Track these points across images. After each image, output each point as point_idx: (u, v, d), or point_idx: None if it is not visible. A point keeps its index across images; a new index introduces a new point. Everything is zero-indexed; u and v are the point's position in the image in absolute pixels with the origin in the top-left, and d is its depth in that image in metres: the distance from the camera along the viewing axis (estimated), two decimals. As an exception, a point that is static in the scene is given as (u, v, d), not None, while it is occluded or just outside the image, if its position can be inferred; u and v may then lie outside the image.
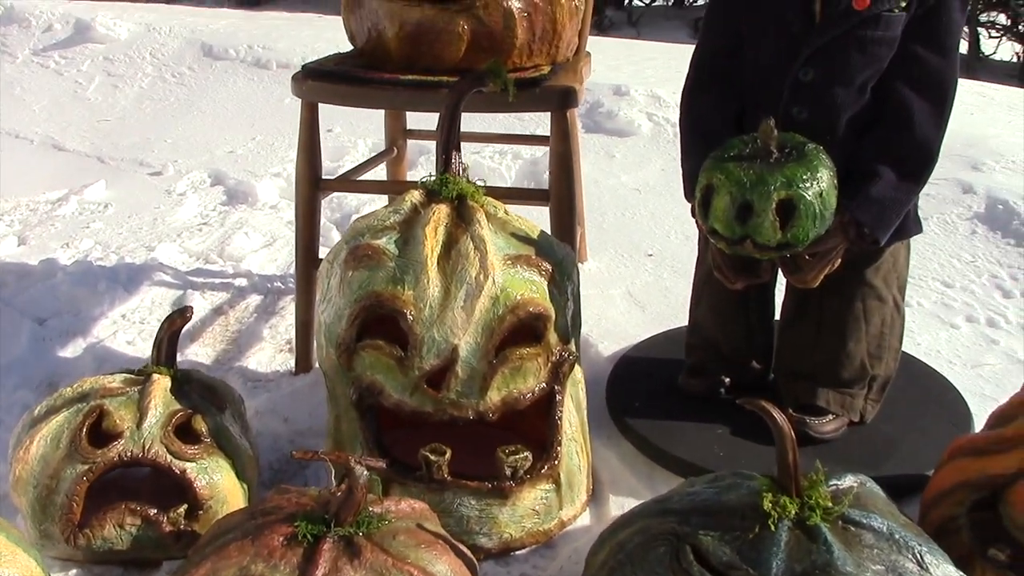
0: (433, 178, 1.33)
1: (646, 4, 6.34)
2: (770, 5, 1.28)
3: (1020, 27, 5.27)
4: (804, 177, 1.18)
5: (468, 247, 1.22)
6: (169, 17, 4.13)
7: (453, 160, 1.33)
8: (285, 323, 1.90)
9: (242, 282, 2.12)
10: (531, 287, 1.23)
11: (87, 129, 3.29)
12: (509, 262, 1.23)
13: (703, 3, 5.75)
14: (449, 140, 1.33)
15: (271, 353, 1.80)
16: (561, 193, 1.53)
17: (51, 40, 4.02)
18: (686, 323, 1.56)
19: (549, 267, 1.26)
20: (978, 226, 2.20)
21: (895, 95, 1.26)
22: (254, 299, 2.03)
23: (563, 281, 1.28)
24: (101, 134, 3.23)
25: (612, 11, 5.89)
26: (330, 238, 2.25)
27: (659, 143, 2.74)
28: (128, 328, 1.89)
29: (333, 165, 2.79)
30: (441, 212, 1.26)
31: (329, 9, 6.04)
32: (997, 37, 5.39)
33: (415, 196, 1.30)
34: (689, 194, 1.32)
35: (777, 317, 1.53)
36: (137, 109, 3.44)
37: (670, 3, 6.31)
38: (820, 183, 1.18)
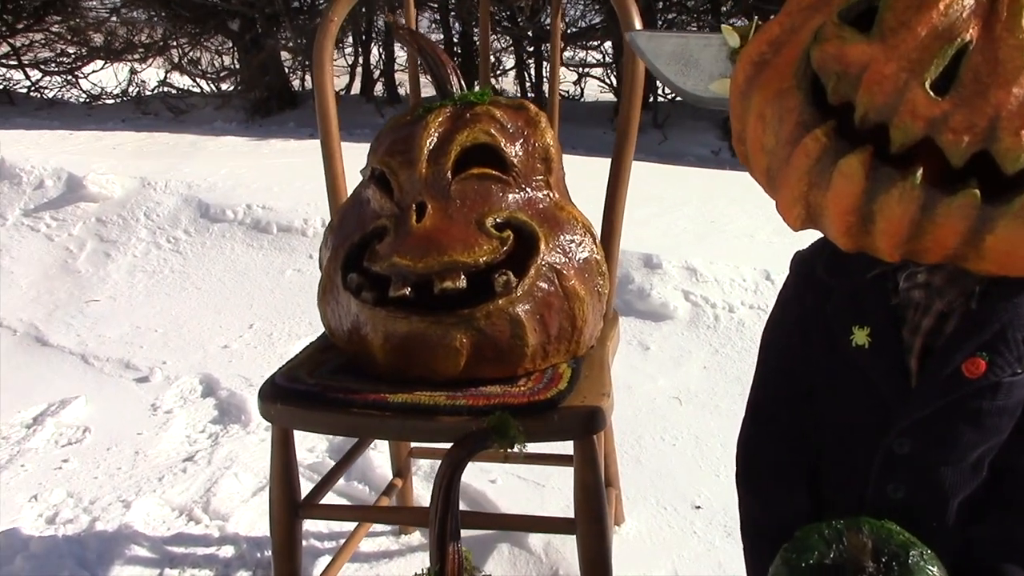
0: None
1: (669, 100, 6.09)
2: (847, 358, 0.98)
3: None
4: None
5: None
6: (166, 170, 3.90)
7: (450, 551, 1.04)
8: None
9: (228, 551, 1.84)
10: None
11: (74, 314, 3.04)
12: None
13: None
14: (445, 528, 1.04)
15: None
16: (589, 536, 1.24)
17: (43, 199, 3.80)
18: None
19: None
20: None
21: (1020, 476, 0.96)
22: (240, 578, 1.75)
23: None
24: (89, 322, 2.97)
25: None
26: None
27: (698, 330, 2.44)
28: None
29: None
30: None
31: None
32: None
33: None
34: None
35: None
36: (128, 285, 3.19)
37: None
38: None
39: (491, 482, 1.96)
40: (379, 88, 7.41)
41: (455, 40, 6.66)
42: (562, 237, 1.27)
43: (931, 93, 0.81)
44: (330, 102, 1.50)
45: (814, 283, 1.02)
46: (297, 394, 1.27)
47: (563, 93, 6.52)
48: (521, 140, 1.29)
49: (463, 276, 1.21)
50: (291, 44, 6.93)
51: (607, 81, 6.46)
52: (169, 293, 3.11)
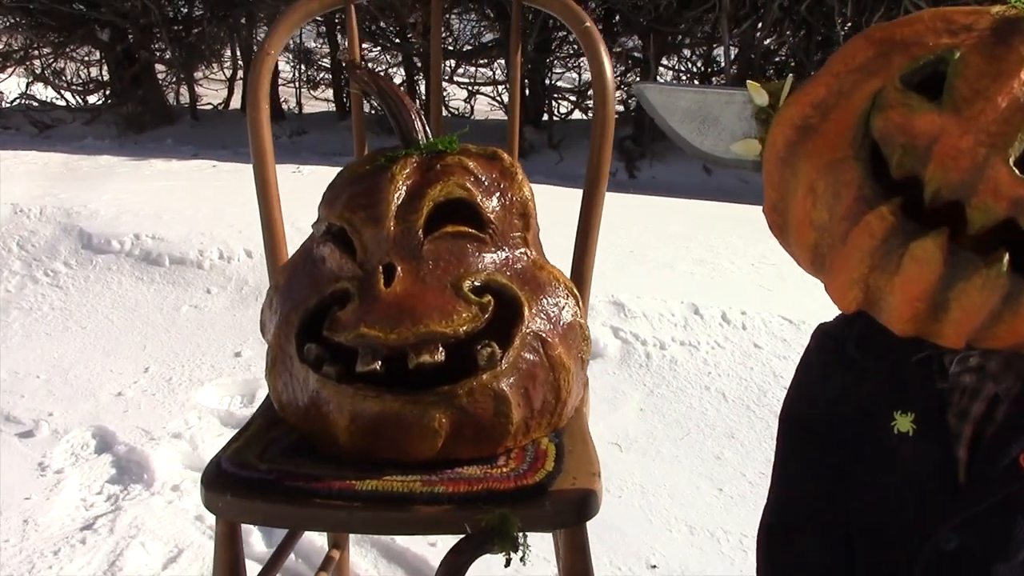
0: None
1: (562, 119, 6.05)
2: (888, 446, 0.90)
3: None
4: None
5: None
6: (40, 194, 3.60)
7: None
8: None
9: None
10: None
11: (-58, 360, 2.75)
12: None
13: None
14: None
15: None
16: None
17: (-97, 229, 3.46)
18: None
19: None
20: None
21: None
22: None
23: None
24: (-41, 368, 2.70)
25: (531, 131, 5.56)
26: None
27: (630, 368, 2.36)
28: None
29: (243, 412, 2.34)
30: None
31: (215, 148, 5.61)
32: None
33: None
34: None
35: None
36: (3, 325, 2.91)
37: (589, 116, 6.02)
38: None
39: (431, 545, 1.83)
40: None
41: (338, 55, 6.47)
42: (545, 300, 1.16)
43: (1016, 170, 0.73)
44: (267, 146, 1.35)
45: (845, 362, 0.94)
46: (249, 483, 1.12)
47: (453, 111, 6.41)
48: (498, 194, 1.18)
49: (441, 348, 1.08)
50: (167, 56, 6.60)
51: (498, 99, 6.38)
52: (50, 333, 2.85)
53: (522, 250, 1.19)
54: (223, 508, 1.12)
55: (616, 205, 3.73)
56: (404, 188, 1.15)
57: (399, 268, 1.11)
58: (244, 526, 1.94)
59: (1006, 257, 0.73)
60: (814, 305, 2.45)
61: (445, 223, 1.14)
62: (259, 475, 1.12)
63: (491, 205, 1.17)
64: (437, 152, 1.20)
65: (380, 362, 1.08)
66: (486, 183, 1.17)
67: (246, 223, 3.15)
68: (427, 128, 1.22)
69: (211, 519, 1.27)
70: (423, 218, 1.13)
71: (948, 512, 0.88)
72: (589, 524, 1.82)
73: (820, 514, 0.97)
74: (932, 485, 0.88)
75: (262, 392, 2.38)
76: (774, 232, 0.90)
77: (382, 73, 6.30)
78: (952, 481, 0.88)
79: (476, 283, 1.13)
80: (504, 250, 1.17)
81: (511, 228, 1.18)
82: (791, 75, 0.86)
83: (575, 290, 1.20)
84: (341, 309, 1.12)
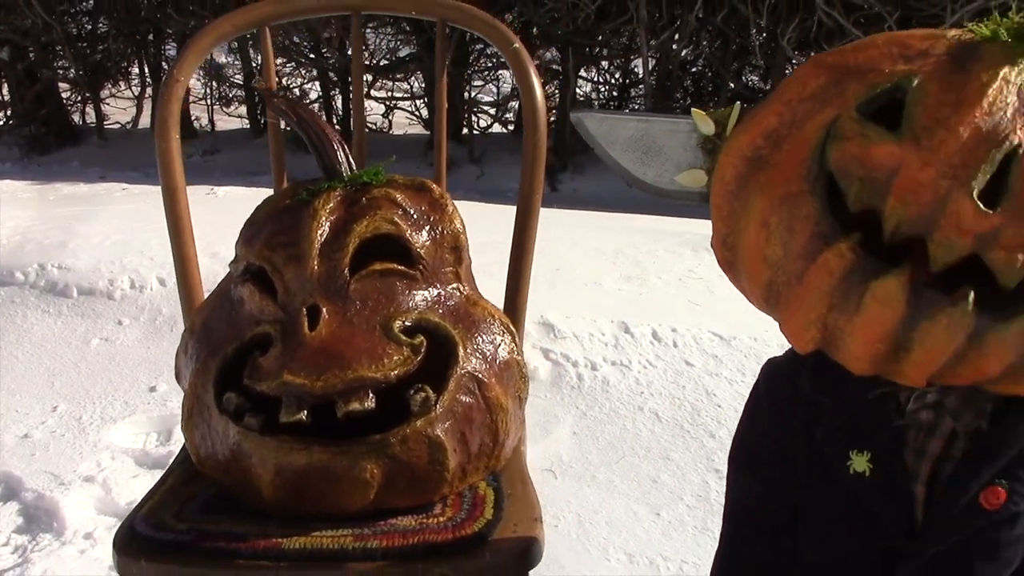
0: None
1: (482, 133, 6.00)
2: (843, 486, 0.86)
3: None
4: None
5: None
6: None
7: None
8: None
9: None
10: None
11: None
12: None
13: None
14: None
15: None
16: None
17: None
18: None
19: None
20: None
21: (1035, 605, 0.87)
22: None
23: None
24: None
25: (451, 146, 5.50)
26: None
27: (562, 391, 2.31)
28: None
29: (159, 451, 2.24)
30: None
31: (124, 169, 5.42)
32: None
33: None
34: None
35: None
36: None
37: (509, 129, 5.99)
38: None
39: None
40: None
41: (254, 70, 6.33)
42: (480, 338, 1.10)
43: (980, 204, 0.69)
44: (179, 181, 1.27)
45: (796, 399, 0.90)
46: (165, 546, 1.04)
47: (371, 126, 6.32)
48: (427, 228, 1.12)
49: (371, 394, 1.01)
50: (71, 75, 6.37)
51: (417, 114, 6.31)
52: (-51, 371, 2.69)
53: (454, 285, 1.13)
54: (138, 575, 1.04)
55: (540, 221, 3.71)
56: (328, 224, 1.09)
57: (324, 310, 1.04)
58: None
59: (971, 295, 0.69)
60: (745, 319, 2.44)
61: (372, 260, 1.08)
62: (175, 536, 1.04)
63: (421, 240, 1.10)
64: (362, 184, 1.13)
65: (306, 411, 1.01)
66: (415, 216, 1.11)
67: (158, 250, 3.02)
68: (351, 159, 1.16)
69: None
70: (349, 256, 1.07)
71: (908, 553, 0.84)
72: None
73: (776, 558, 0.93)
74: (891, 527, 0.85)
75: (179, 429, 2.27)
76: (723, 268, 0.85)
77: (297, 91, 6.19)
78: (910, 521, 0.85)
79: (407, 323, 1.06)
80: (436, 287, 1.11)
81: (442, 263, 1.12)
82: (738, 103, 0.82)
83: (511, 326, 1.15)
84: (263, 355, 1.05)
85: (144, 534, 1.05)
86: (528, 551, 1.04)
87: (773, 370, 0.94)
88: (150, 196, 4.16)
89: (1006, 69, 0.72)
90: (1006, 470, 0.82)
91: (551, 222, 3.71)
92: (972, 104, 0.71)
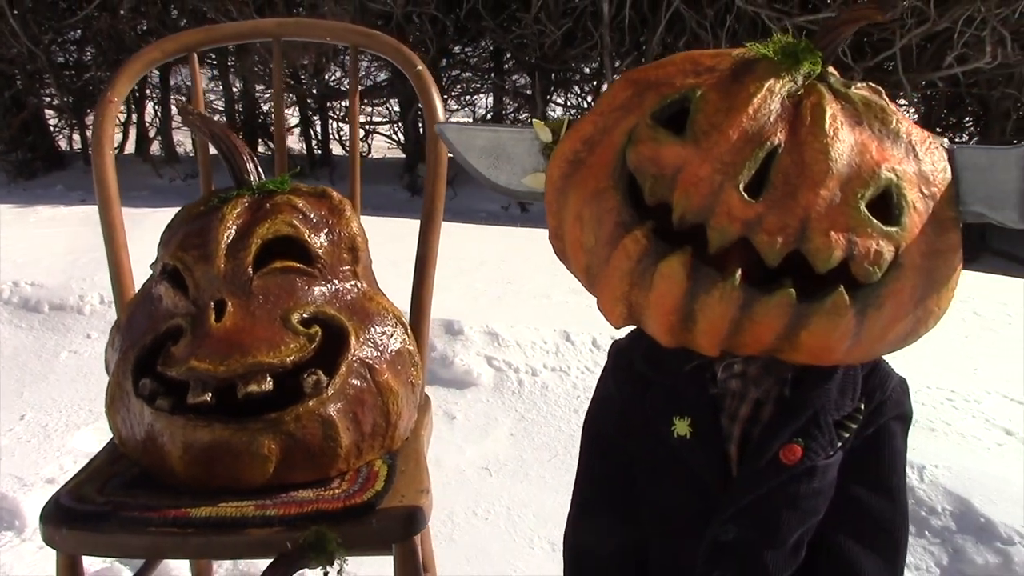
0: None
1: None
2: (669, 449, 0.98)
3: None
4: None
5: None
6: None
7: None
8: None
9: None
10: None
11: None
12: None
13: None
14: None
15: None
16: (417, 643, 1.18)
17: None
18: None
19: None
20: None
21: (837, 552, 0.99)
22: None
23: None
24: None
25: (424, 168, 5.64)
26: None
27: (503, 396, 2.43)
28: None
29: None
30: None
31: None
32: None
33: None
34: None
35: None
36: None
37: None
38: None
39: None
40: (156, 147, 7.09)
41: (236, 97, 6.48)
42: (372, 330, 1.22)
43: (745, 195, 0.82)
44: (112, 192, 1.40)
45: (633, 375, 1.02)
46: (85, 516, 1.15)
47: (349, 150, 6.45)
48: (326, 230, 1.24)
49: (269, 378, 1.13)
50: (56, 102, 6.52)
51: (394, 138, 6.45)
52: (-77, 384, 2.80)
53: (352, 283, 1.25)
54: (60, 541, 1.15)
55: (501, 237, 3.83)
56: (234, 227, 1.21)
57: (230, 304, 1.16)
58: (116, 563, 1.95)
59: (739, 272, 0.82)
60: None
61: (275, 259, 1.20)
62: (95, 508, 1.16)
63: (319, 241, 1.23)
64: (268, 192, 1.25)
65: (210, 394, 1.12)
66: (314, 220, 1.23)
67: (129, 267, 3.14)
68: (259, 169, 1.28)
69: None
70: (252, 255, 1.19)
71: (723, 505, 0.96)
72: (455, 545, 1.90)
73: (617, 508, 1.04)
74: (709, 482, 0.97)
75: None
76: (558, 256, 0.98)
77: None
78: (726, 477, 0.96)
79: (304, 315, 1.18)
80: (333, 283, 1.23)
81: (340, 262, 1.24)
82: (568, 114, 0.94)
83: (403, 319, 1.27)
84: (175, 344, 1.17)
85: (67, 506, 1.17)
86: (412, 518, 1.15)
87: (616, 350, 1.07)
88: (128, 217, 4.27)
89: (771, 81, 0.85)
90: (803, 430, 0.94)
91: (509, 239, 3.85)
92: (740, 110, 0.84)
